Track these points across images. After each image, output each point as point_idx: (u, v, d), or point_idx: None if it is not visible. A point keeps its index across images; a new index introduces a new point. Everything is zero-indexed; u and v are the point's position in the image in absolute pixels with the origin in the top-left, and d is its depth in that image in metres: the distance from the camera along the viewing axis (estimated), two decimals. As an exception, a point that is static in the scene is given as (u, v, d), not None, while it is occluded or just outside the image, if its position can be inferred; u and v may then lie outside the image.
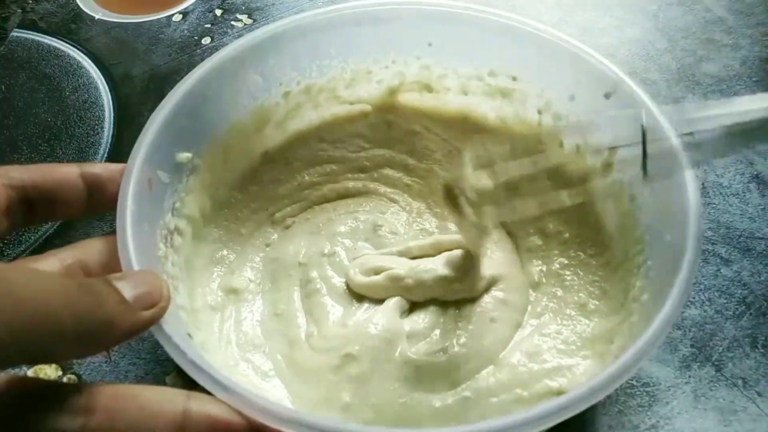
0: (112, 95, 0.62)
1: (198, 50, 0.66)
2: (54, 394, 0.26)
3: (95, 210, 0.36)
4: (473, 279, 0.43)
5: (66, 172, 0.34)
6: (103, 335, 0.27)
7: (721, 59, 0.63)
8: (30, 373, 0.44)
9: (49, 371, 0.44)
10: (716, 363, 0.43)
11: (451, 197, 0.40)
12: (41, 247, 0.51)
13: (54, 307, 0.24)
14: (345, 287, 0.44)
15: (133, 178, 0.36)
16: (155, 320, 0.30)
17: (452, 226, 0.48)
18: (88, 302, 0.26)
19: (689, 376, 0.43)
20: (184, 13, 0.70)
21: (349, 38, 0.47)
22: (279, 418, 0.28)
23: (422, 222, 0.49)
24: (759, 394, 0.42)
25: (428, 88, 0.49)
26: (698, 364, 0.43)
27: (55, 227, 0.52)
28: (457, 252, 0.44)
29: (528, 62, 0.46)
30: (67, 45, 0.66)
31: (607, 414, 0.41)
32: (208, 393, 0.29)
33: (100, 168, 0.35)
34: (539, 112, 0.47)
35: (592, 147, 0.45)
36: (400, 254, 0.46)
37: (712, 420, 0.41)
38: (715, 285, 0.47)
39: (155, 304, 0.30)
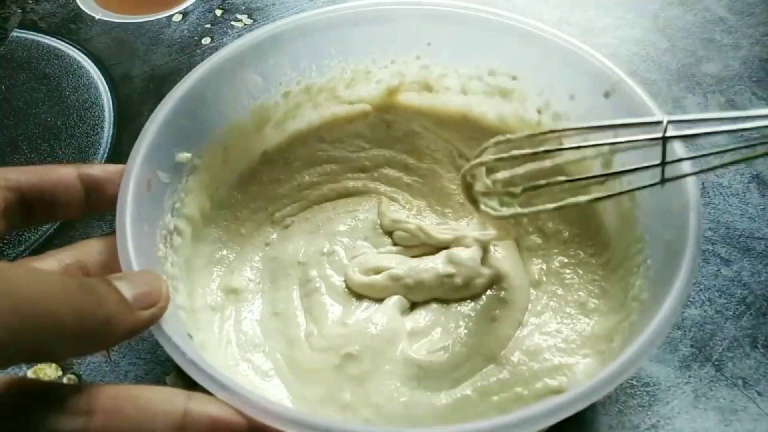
0: (112, 95, 0.62)
1: (198, 50, 0.66)
2: (54, 395, 0.26)
3: (94, 211, 0.36)
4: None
5: (63, 174, 0.34)
6: (102, 334, 0.27)
7: (721, 59, 0.63)
8: (30, 373, 0.44)
9: (49, 371, 0.44)
10: (716, 363, 0.43)
11: (468, 189, 0.40)
12: (41, 247, 0.51)
13: (54, 305, 0.25)
14: (344, 286, 0.44)
15: (132, 178, 0.36)
16: (155, 320, 0.30)
17: (452, 222, 0.48)
18: (88, 301, 0.26)
19: (689, 376, 0.43)
20: (184, 13, 0.70)
21: (349, 38, 0.47)
22: (280, 418, 0.28)
23: (422, 219, 0.49)
24: (759, 394, 0.42)
25: (428, 88, 0.49)
26: (698, 364, 0.43)
27: (55, 227, 0.52)
28: (457, 249, 0.44)
29: (527, 61, 0.45)
30: (67, 45, 0.66)
31: (607, 414, 0.41)
32: (209, 393, 0.29)
33: (97, 169, 0.35)
34: (539, 112, 0.47)
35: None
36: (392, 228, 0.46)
37: (713, 420, 0.41)
38: (715, 285, 0.47)
39: (155, 304, 0.30)
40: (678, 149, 0.35)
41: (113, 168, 0.36)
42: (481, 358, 0.40)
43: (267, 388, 0.40)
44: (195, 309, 0.41)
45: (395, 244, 0.47)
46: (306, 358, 0.41)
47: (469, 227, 0.47)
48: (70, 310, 0.25)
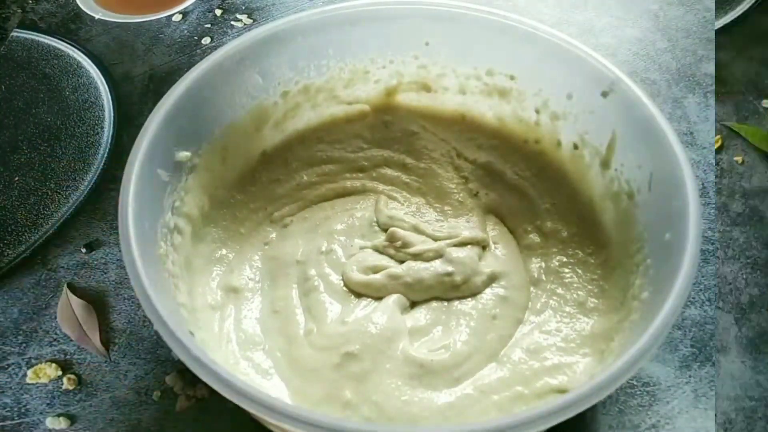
0: (112, 95, 0.62)
1: (198, 50, 0.66)
2: None
3: None
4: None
5: None
6: None
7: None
8: (30, 373, 0.44)
9: (49, 371, 0.44)
10: (716, 363, 0.43)
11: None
12: (42, 247, 0.51)
13: None
14: (342, 284, 0.44)
15: (134, 175, 0.36)
16: None
17: (451, 221, 0.48)
18: None
19: (689, 376, 0.43)
20: (184, 13, 0.70)
21: (347, 38, 0.47)
22: (283, 415, 0.28)
23: (421, 215, 0.49)
24: (759, 394, 0.42)
25: (426, 88, 0.49)
26: (698, 364, 0.43)
27: (56, 227, 0.52)
28: (455, 248, 0.44)
29: (526, 61, 0.46)
30: (67, 45, 0.66)
31: (608, 414, 0.41)
32: (211, 390, 0.29)
33: None
34: (537, 111, 0.47)
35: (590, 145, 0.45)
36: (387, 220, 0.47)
37: (713, 420, 0.41)
38: (715, 285, 0.47)
39: None
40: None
41: None
42: (482, 356, 0.40)
43: (267, 386, 0.39)
44: (195, 308, 0.41)
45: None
46: (306, 356, 0.41)
47: (469, 224, 0.47)
48: None
